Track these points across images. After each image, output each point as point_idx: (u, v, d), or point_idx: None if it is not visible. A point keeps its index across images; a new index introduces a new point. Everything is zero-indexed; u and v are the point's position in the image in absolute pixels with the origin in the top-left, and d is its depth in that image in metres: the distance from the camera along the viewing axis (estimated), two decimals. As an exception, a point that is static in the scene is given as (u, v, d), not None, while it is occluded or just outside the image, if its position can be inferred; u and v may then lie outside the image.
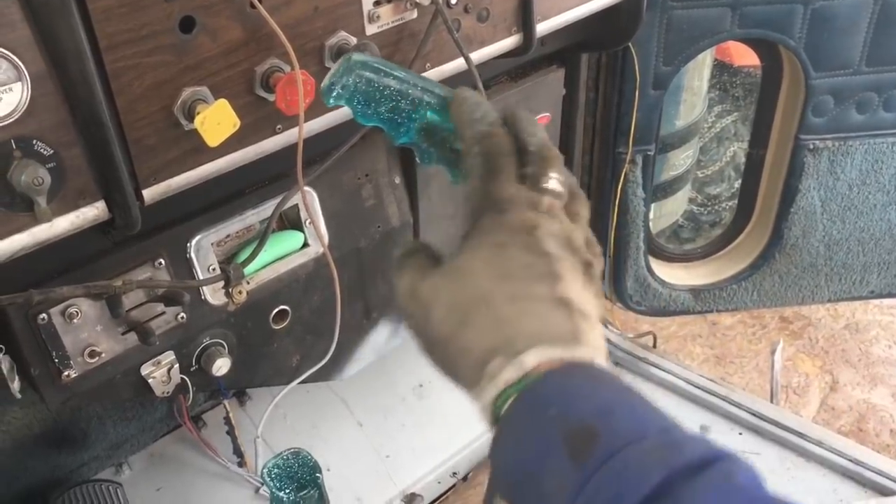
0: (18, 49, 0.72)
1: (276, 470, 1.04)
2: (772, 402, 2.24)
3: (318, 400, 1.49)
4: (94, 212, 0.82)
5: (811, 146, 1.51)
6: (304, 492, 1.03)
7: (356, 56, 0.68)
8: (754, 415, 1.53)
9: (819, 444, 1.47)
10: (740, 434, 1.53)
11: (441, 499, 1.49)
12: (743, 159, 2.72)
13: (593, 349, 0.54)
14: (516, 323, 0.54)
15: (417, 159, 0.71)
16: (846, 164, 1.53)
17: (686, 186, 2.04)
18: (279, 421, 1.45)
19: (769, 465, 1.47)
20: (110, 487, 1.13)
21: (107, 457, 1.29)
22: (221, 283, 0.93)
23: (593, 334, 0.56)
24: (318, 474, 1.05)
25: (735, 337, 3.22)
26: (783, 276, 1.67)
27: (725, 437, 1.52)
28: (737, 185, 2.75)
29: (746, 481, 0.46)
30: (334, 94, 0.67)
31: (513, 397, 0.51)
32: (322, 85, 0.68)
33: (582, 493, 0.46)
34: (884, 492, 1.39)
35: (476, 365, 0.53)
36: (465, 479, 1.52)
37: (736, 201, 2.70)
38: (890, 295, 1.74)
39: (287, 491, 1.03)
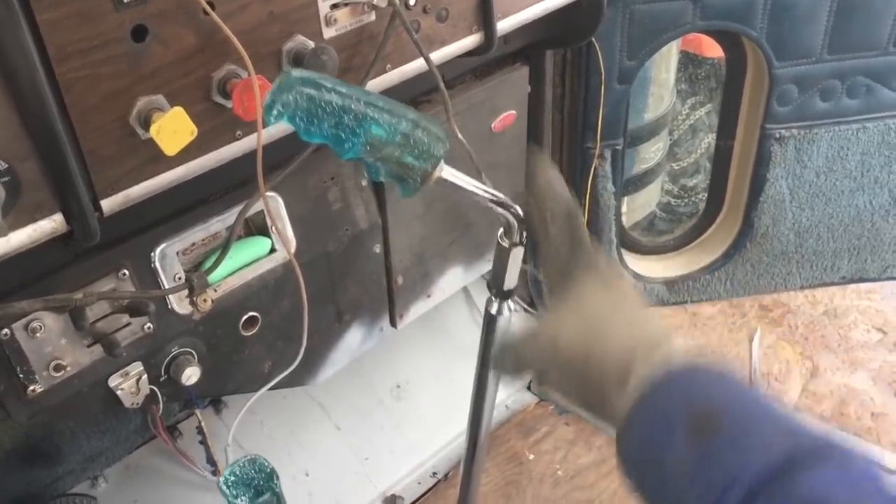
0: (-35, 64, 0.71)
1: (231, 478, 1.04)
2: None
3: (294, 405, 1.49)
4: (51, 224, 0.82)
5: (777, 135, 1.52)
6: (262, 498, 1.03)
7: (295, 72, 0.67)
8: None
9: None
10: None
11: (422, 499, 1.49)
12: (706, 125, 2.73)
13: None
14: (637, 333, 0.62)
15: (366, 174, 0.71)
16: (812, 152, 1.54)
17: (658, 179, 2.04)
18: (256, 428, 1.44)
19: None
20: (83, 501, 1.12)
21: (81, 470, 1.28)
22: (185, 292, 0.92)
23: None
24: (274, 481, 1.04)
25: (716, 327, 3.23)
26: (755, 264, 1.68)
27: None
28: (699, 150, 2.75)
29: (862, 470, 0.49)
30: (275, 112, 0.67)
31: (647, 386, 0.57)
32: (264, 103, 0.68)
33: (703, 467, 0.50)
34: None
35: (618, 373, 0.60)
36: (445, 478, 1.52)
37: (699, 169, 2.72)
38: (861, 280, 1.76)
39: (244, 498, 1.03)
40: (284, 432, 1.47)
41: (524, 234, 0.79)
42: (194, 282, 0.90)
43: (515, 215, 0.75)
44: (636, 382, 0.58)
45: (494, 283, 0.81)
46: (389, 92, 1.06)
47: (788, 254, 1.66)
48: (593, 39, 1.35)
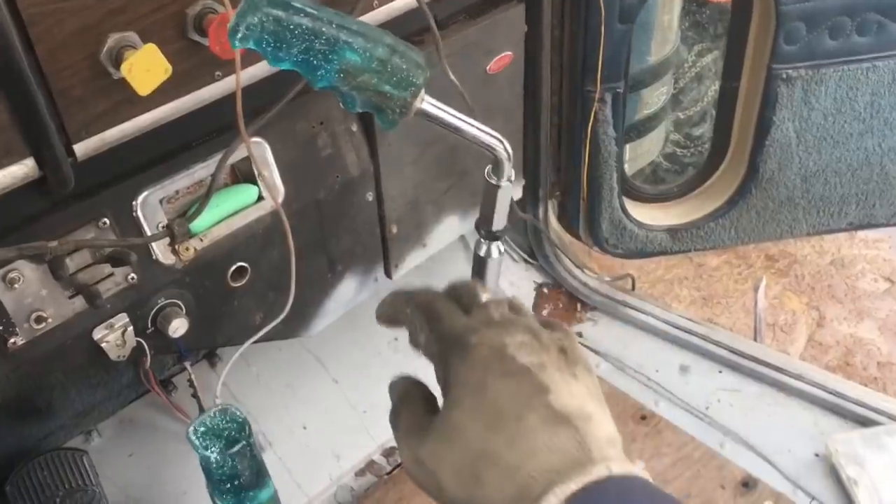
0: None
1: (201, 429, 1.01)
2: (755, 339, 2.24)
3: (291, 358, 1.46)
4: (22, 170, 0.79)
5: (784, 76, 1.47)
6: (233, 449, 0.99)
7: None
8: (735, 353, 1.51)
9: (799, 377, 1.46)
10: (720, 372, 1.51)
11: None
12: (711, 73, 2.67)
13: (608, 455, 0.53)
14: (525, 466, 0.52)
15: (340, 104, 0.67)
16: (820, 93, 1.49)
17: (662, 125, 1.99)
18: (251, 381, 1.42)
19: (748, 402, 1.45)
20: (74, 455, 1.10)
21: (74, 425, 1.26)
22: (167, 241, 0.89)
23: (602, 432, 0.55)
24: (247, 430, 1.01)
25: (721, 278, 3.21)
26: (760, 211, 1.64)
27: (705, 376, 1.50)
28: (706, 100, 2.70)
29: None
30: (239, 35, 0.62)
31: None
32: (228, 26, 0.63)
33: None
34: (866, 423, 1.38)
35: None
36: (443, 430, 1.51)
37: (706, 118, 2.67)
38: (868, 226, 1.71)
39: (214, 449, 0.99)
40: (281, 385, 1.45)
41: (513, 171, 0.74)
42: (175, 229, 0.87)
43: (505, 150, 0.70)
44: None
45: (483, 224, 0.77)
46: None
47: (795, 199, 1.62)
48: (592, -25, 1.30)
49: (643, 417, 1.44)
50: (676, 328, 1.58)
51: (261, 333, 1.04)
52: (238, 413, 1.01)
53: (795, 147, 1.55)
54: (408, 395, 0.62)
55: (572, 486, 0.50)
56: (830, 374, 1.47)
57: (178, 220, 0.89)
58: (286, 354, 1.47)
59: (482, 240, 0.77)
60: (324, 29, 0.62)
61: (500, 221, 0.77)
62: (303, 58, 0.62)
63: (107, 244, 0.87)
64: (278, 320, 1.03)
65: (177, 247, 0.89)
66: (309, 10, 0.62)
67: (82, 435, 1.30)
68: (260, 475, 1.05)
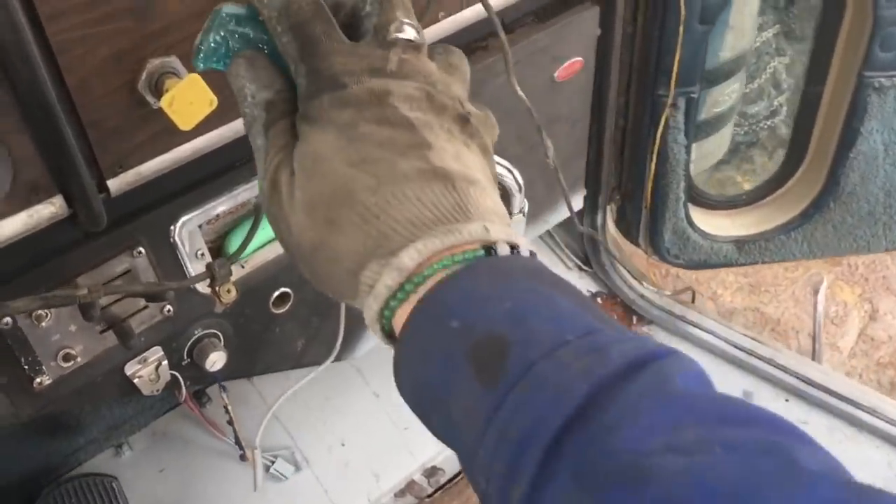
0: (-61, 23, 0.58)
1: None
2: (813, 352, 2.13)
3: (330, 371, 1.39)
4: (50, 209, 0.71)
5: (876, 84, 1.34)
6: None
7: (227, 8, 0.53)
8: (803, 380, 1.41)
9: (873, 412, 1.36)
10: (786, 401, 1.42)
11: (463, 472, 1.40)
12: (784, 76, 2.53)
13: (489, 219, 0.45)
14: (385, 215, 0.45)
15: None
16: (915, 104, 1.36)
17: (730, 123, 1.86)
18: (290, 395, 1.35)
19: (817, 436, 1.35)
20: (104, 482, 1.05)
21: (104, 439, 1.21)
22: (207, 283, 0.81)
23: (486, 201, 0.47)
24: None
25: (772, 265, 3.09)
26: (837, 225, 1.52)
27: (770, 404, 1.41)
28: (776, 102, 2.57)
29: (686, 383, 0.38)
30: (201, 55, 0.54)
31: (408, 306, 0.43)
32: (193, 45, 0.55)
33: (493, 421, 0.38)
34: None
35: (349, 274, 0.45)
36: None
37: (775, 120, 2.53)
38: (953, 243, 1.59)
39: None
40: (319, 398, 1.38)
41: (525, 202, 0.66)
42: (216, 271, 0.79)
43: (515, 180, 0.62)
44: (378, 303, 0.44)
45: None
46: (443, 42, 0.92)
47: (876, 215, 1.50)
48: (675, -26, 1.18)
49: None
50: (739, 349, 1.48)
51: (310, 376, 0.96)
52: None
53: (882, 160, 1.43)
54: (287, 101, 0.51)
55: (437, 242, 0.43)
56: (889, 400, 1.37)
57: (220, 261, 0.81)
58: (326, 367, 1.40)
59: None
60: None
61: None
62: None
63: (141, 291, 0.79)
64: (332, 358, 0.95)
65: (218, 289, 0.81)
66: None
67: (113, 449, 1.24)
68: None
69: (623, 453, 0.35)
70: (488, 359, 0.39)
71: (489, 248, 0.44)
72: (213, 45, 0.54)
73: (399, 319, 0.44)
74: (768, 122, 2.58)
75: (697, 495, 0.32)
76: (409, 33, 0.49)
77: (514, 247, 0.45)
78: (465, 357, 0.40)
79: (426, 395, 0.43)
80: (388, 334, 0.46)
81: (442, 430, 0.44)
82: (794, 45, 2.58)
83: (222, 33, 0.54)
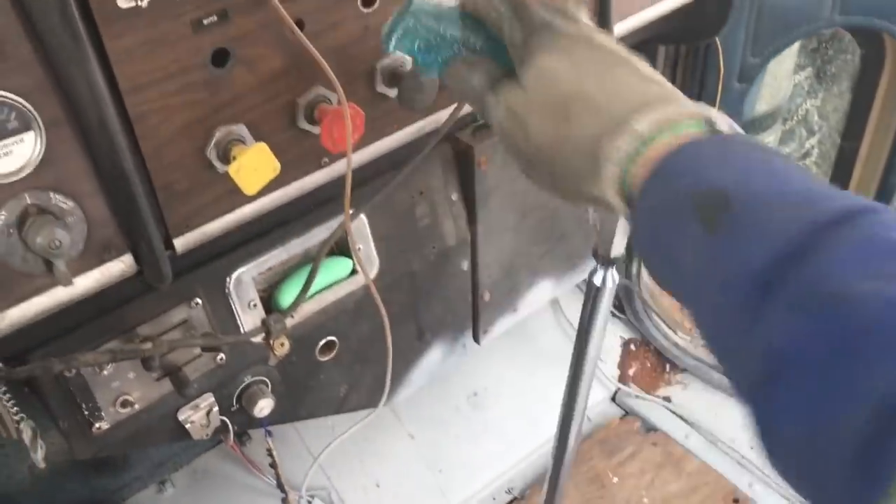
0: (30, 95, 0.62)
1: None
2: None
3: (367, 411, 1.42)
4: (120, 266, 0.74)
5: (913, 141, 1.36)
6: None
7: (416, 3, 0.65)
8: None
9: None
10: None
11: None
12: (815, 117, 2.54)
13: (700, 104, 0.53)
14: (615, 102, 0.53)
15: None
16: (951, 162, 1.38)
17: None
18: (327, 434, 1.38)
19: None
20: (149, 522, 1.08)
21: (149, 476, 1.24)
22: (262, 336, 0.84)
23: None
24: None
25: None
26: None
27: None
28: (808, 144, 2.59)
29: (886, 246, 0.41)
30: (393, 42, 0.65)
31: (642, 169, 0.50)
32: (383, 31, 0.66)
33: (714, 259, 0.44)
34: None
35: (590, 154, 0.53)
36: (521, 497, 1.44)
37: (806, 161, 2.53)
38: None
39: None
40: (356, 438, 1.40)
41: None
42: (272, 325, 0.82)
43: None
44: (618, 168, 0.51)
45: (601, 249, 0.75)
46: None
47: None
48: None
49: (736, 501, 1.36)
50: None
51: (355, 427, 0.99)
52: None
53: (918, 217, 1.44)
54: (475, 58, 0.62)
55: (664, 111, 0.51)
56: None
57: (275, 317, 0.84)
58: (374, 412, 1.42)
59: (598, 266, 0.85)
60: (470, 37, 0.64)
61: (618, 248, 0.82)
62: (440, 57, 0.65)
63: (200, 343, 0.82)
64: (374, 411, 0.97)
65: (272, 343, 0.84)
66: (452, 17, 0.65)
67: (156, 485, 1.27)
68: None
69: (834, 281, 0.39)
70: (712, 209, 0.45)
71: (707, 121, 0.51)
72: (402, 31, 0.64)
73: (635, 180, 0.51)
74: (800, 163, 2.59)
75: (888, 312, 0.37)
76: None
77: (729, 126, 0.52)
78: (692, 208, 0.46)
79: (657, 244, 0.50)
80: (627, 202, 0.53)
81: (674, 282, 0.50)
82: (826, 86, 2.59)
83: (411, 21, 0.64)
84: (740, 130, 0.52)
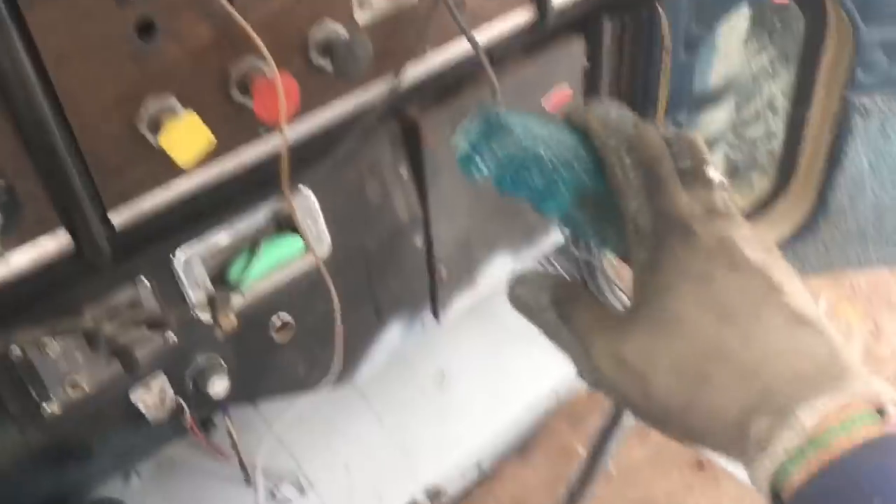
0: (-52, 74, 0.63)
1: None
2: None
3: (333, 394, 1.42)
4: (56, 244, 0.74)
5: (860, 105, 1.38)
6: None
7: (502, 114, 0.52)
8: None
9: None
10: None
11: (466, 492, 1.42)
12: (780, 99, 2.57)
13: (862, 371, 0.44)
14: (764, 370, 0.44)
15: (562, 233, 0.58)
16: (899, 125, 1.40)
17: (720, 149, 1.90)
18: (294, 419, 1.38)
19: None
20: (112, 507, 1.08)
21: (113, 467, 1.23)
22: (208, 312, 0.85)
23: (842, 342, 0.46)
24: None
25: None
26: (827, 244, 1.55)
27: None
28: (773, 126, 2.61)
29: None
30: (475, 163, 0.53)
31: (804, 475, 0.42)
32: (458, 153, 0.54)
33: None
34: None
35: (734, 430, 0.45)
36: (490, 472, 1.45)
37: (773, 144, 2.56)
38: (945, 259, 1.61)
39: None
40: (323, 423, 1.41)
41: None
42: (216, 300, 0.83)
43: None
44: (775, 463, 0.43)
45: None
46: (431, 76, 0.96)
47: (866, 234, 1.52)
48: (657, 3, 1.22)
49: (700, 465, 1.37)
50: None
51: (308, 397, 0.99)
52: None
53: (869, 180, 1.46)
54: (569, 285, 0.52)
55: (830, 401, 0.42)
56: None
57: (220, 293, 0.84)
58: (329, 391, 1.43)
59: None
60: (566, 152, 0.53)
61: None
62: (542, 184, 0.53)
63: (143, 318, 0.83)
64: (325, 378, 0.98)
65: (218, 317, 0.84)
66: (547, 131, 0.53)
67: (121, 477, 1.27)
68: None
69: None
70: None
71: (879, 409, 0.43)
72: (488, 153, 0.53)
73: (792, 482, 0.43)
74: (767, 147, 2.62)
75: None
76: (717, 175, 0.51)
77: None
78: None
79: None
80: (775, 495, 0.44)
81: None
82: (789, 68, 2.61)
83: (496, 142, 0.52)
84: None
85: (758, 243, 0.49)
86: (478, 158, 0.54)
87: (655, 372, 0.46)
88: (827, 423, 0.42)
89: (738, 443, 0.45)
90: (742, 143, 2.54)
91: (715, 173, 0.51)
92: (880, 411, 0.42)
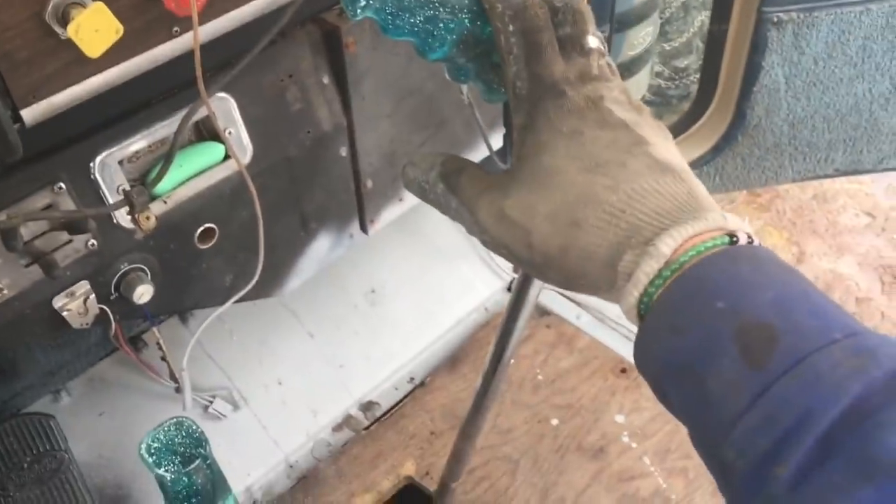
0: None
1: (154, 444, 0.94)
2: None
3: (265, 313, 1.43)
4: (-36, 138, 0.73)
5: (775, 19, 1.41)
6: (190, 466, 0.94)
7: None
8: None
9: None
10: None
11: (399, 405, 1.46)
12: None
13: (716, 207, 0.49)
14: (630, 209, 0.48)
15: (447, 75, 0.61)
16: (811, 37, 1.44)
17: (647, 66, 1.93)
18: (225, 337, 1.39)
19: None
20: (41, 420, 1.08)
21: (41, 385, 1.23)
22: (125, 210, 0.85)
23: (703, 189, 0.51)
24: (204, 446, 0.95)
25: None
26: (746, 158, 1.60)
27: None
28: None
29: None
30: (361, 4, 0.55)
31: (661, 288, 0.46)
32: None
33: (762, 399, 0.41)
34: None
35: (605, 268, 0.49)
36: (422, 384, 1.49)
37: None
38: (855, 172, 1.68)
39: (170, 468, 0.93)
40: (255, 341, 1.42)
41: None
42: (134, 197, 0.82)
43: None
44: (639, 289, 0.47)
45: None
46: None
47: (781, 146, 1.58)
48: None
49: (623, 370, 1.43)
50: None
51: (234, 298, 1.00)
52: (194, 427, 0.95)
53: (784, 93, 1.50)
54: (455, 158, 0.56)
55: (688, 229, 0.46)
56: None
57: (138, 189, 0.84)
58: (260, 309, 1.43)
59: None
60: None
61: None
62: (423, 27, 0.56)
63: (59, 216, 0.82)
64: (250, 286, 0.99)
65: (137, 216, 0.84)
66: None
67: (51, 395, 1.26)
68: (220, 489, 1.01)
69: (889, 455, 0.38)
70: (756, 343, 0.42)
71: (731, 236, 0.47)
72: None
73: (654, 298, 0.47)
74: (698, 76, 2.66)
75: None
76: (597, 44, 0.54)
77: (748, 235, 0.48)
78: (730, 337, 0.43)
79: (677, 363, 0.46)
80: (642, 317, 0.48)
81: (687, 399, 0.46)
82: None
83: None
84: (757, 241, 0.48)
85: (627, 103, 0.53)
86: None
87: (534, 222, 0.50)
88: (683, 248, 0.46)
89: (610, 280, 0.49)
90: (675, 75, 2.58)
91: (593, 40, 0.54)
92: (732, 238, 0.47)
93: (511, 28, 0.52)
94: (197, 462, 0.93)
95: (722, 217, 0.47)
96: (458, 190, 0.54)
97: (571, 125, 0.51)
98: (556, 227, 0.49)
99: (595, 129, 0.51)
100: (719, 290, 0.45)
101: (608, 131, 0.51)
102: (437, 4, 0.55)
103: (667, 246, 0.46)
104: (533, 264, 0.51)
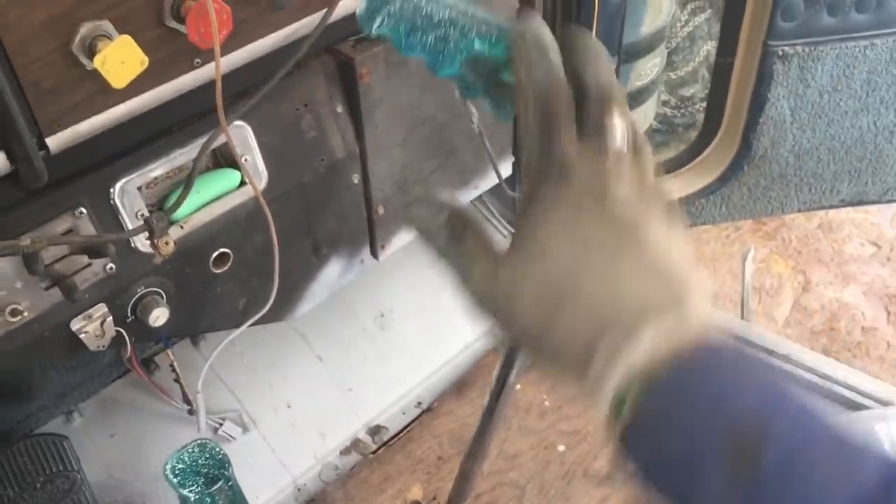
0: None
1: (179, 465, 0.96)
2: (742, 315, 2.23)
3: (275, 336, 1.45)
4: (-8, 166, 0.75)
5: (780, 52, 1.44)
6: (214, 487, 0.95)
7: None
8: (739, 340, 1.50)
9: (787, 359, 1.45)
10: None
11: (406, 430, 1.47)
12: (705, 30, 2.63)
13: (704, 304, 0.49)
14: (616, 296, 0.48)
15: (457, 93, 0.63)
16: (817, 71, 1.46)
17: (654, 96, 1.96)
18: (236, 360, 1.41)
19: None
20: (54, 441, 1.09)
21: (54, 406, 1.25)
22: (145, 235, 0.87)
23: (697, 295, 0.50)
24: (227, 467, 0.96)
25: (709, 241, 3.20)
26: (752, 188, 1.62)
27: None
28: (700, 56, 2.66)
29: None
30: (377, 23, 0.59)
31: (644, 382, 0.46)
32: (359, 11, 0.60)
33: None
34: (854, 406, 1.38)
35: (583, 349, 0.48)
36: (430, 408, 1.50)
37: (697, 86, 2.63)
38: (860, 202, 1.70)
39: (194, 488, 0.95)
40: (265, 364, 1.43)
41: None
42: (154, 223, 0.84)
43: None
44: (619, 375, 0.47)
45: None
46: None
47: (787, 177, 1.60)
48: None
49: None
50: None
51: (248, 323, 1.02)
52: (218, 448, 0.97)
53: (790, 124, 1.52)
54: (464, 211, 0.56)
55: (670, 321, 0.47)
56: (819, 356, 1.47)
57: (157, 214, 0.86)
58: (270, 332, 1.45)
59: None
60: (460, 17, 0.58)
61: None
62: (433, 46, 0.59)
63: (81, 241, 0.84)
64: (264, 311, 1.01)
65: (156, 241, 0.86)
66: None
67: (63, 416, 1.28)
68: None
69: None
70: (742, 452, 0.42)
71: (713, 335, 0.47)
72: (388, 14, 0.58)
73: (632, 399, 0.47)
74: (704, 105, 2.68)
75: None
76: (618, 138, 0.53)
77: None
78: (718, 445, 0.43)
79: (667, 468, 0.46)
80: (617, 406, 0.48)
81: (675, 498, 0.47)
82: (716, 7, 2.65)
83: (398, 3, 0.58)
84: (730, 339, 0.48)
85: (636, 202, 0.52)
86: (378, 18, 0.59)
87: (521, 294, 0.50)
88: (669, 344, 0.46)
89: (585, 361, 0.48)
90: (681, 103, 2.60)
91: (618, 135, 0.53)
92: (714, 337, 0.47)
93: (530, 95, 0.53)
94: (220, 483, 0.94)
95: (705, 317, 0.48)
96: (460, 243, 0.55)
97: (569, 213, 0.51)
98: (540, 303, 0.50)
99: (592, 222, 0.50)
100: (702, 391, 0.45)
101: (605, 227, 0.50)
102: (447, 25, 0.58)
103: (648, 336, 0.46)
104: (514, 335, 0.52)
